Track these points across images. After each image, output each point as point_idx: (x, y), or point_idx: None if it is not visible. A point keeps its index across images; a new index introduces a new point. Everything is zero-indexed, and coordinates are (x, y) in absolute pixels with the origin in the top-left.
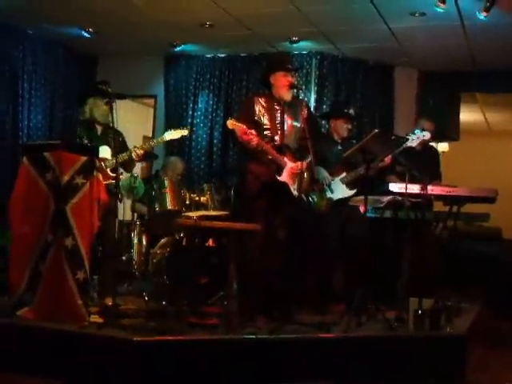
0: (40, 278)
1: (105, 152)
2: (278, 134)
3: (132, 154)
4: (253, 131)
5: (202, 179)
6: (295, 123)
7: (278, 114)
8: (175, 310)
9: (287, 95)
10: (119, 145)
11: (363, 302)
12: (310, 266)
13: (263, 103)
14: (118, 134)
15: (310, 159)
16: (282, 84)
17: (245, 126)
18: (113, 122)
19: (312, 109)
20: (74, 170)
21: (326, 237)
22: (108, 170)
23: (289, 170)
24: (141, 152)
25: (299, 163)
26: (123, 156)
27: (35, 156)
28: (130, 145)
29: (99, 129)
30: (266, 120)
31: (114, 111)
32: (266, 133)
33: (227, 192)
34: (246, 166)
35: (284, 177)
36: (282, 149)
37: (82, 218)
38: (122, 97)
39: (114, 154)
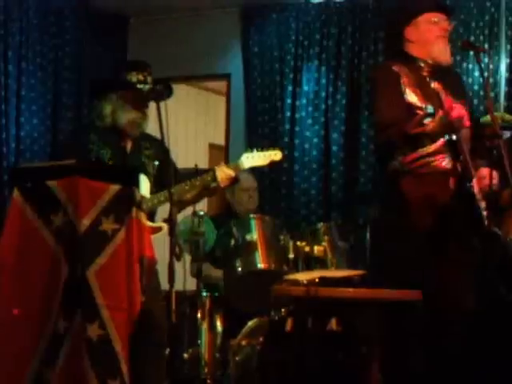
0: None
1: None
2: None
3: (217, 179)
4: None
5: (313, 215)
6: (461, 105)
7: (437, 91)
8: None
9: (444, 53)
10: (163, 167)
11: None
12: None
13: (408, 74)
14: (164, 151)
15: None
16: (432, 35)
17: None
18: (162, 135)
19: (504, 83)
20: (98, 209)
21: None
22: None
23: (477, 183)
24: (230, 174)
25: (487, 171)
26: (165, 196)
27: (32, 187)
28: (183, 161)
29: (128, 142)
30: (421, 102)
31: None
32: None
33: (359, 234)
34: (395, 185)
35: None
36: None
37: (115, 291)
38: (168, 93)
39: (156, 188)
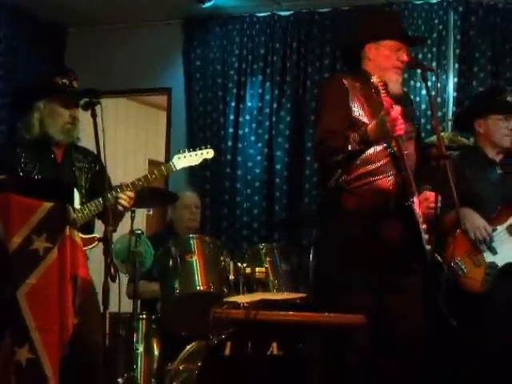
0: None
1: None
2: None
3: (118, 199)
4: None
5: (255, 235)
6: (410, 127)
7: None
8: None
9: (395, 84)
10: (96, 181)
11: None
12: None
13: (359, 90)
14: (95, 160)
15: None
16: (389, 63)
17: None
18: (98, 149)
19: (452, 102)
20: (30, 227)
21: (488, 343)
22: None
23: (420, 205)
24: (130, 196)
25: (432, 194)
26: (96, 204)
27: None
28: (121, 177)
29: (59, 154)
30: (368, 119)
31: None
32: None
33: (302, 257)
34: (336, 203)
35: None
36: (401, 158)
37: (46, 312)
38: (96, 97)
39: (86, 200)
